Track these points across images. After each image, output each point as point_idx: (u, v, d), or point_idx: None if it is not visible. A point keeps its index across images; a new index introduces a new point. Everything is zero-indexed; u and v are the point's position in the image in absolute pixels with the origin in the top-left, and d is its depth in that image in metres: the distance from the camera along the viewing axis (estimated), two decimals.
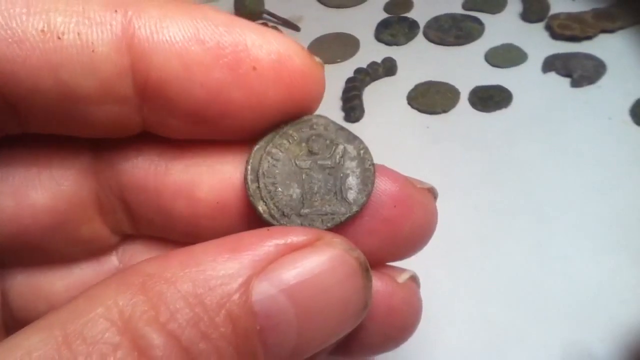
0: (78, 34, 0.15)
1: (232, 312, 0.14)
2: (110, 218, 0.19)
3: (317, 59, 0.18)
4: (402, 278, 0.19)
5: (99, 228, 0.20)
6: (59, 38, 0.15)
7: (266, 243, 0.15)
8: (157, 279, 0.14)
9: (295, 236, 0.15)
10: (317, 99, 0.18)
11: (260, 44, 0.16)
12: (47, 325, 0.13)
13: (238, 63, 0.16)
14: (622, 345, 0.33)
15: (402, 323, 0.19)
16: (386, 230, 0.18)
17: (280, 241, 0.15)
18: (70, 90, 0.15)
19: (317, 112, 0.19)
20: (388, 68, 0.54)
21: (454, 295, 0.37)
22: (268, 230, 0.16)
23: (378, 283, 0.18)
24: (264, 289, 0.14)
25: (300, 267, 0.15)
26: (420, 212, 0.18)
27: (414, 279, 0.20)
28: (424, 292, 0.20)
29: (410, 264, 0.21)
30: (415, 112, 0.50)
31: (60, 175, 0.18)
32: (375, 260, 0.17)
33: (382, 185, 0.18)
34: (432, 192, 0.19)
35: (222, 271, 0.14)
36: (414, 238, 0.19)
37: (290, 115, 0.18)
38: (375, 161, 0.19)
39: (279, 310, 0.14)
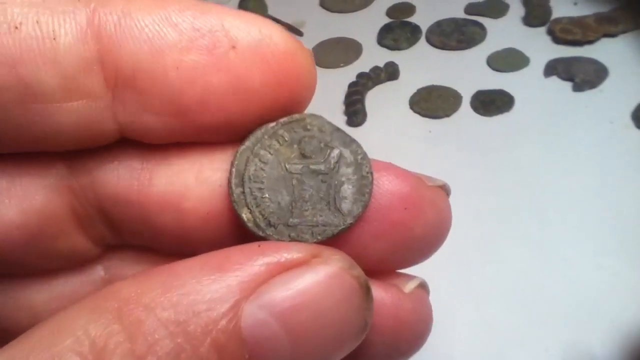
0: (37, 22, 0.14)
1: (218, 341, 0.12)
2: (90, 231, 0.18)
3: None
4: (410, 287, 0.17)
5: (78, 241, 0.18)
6: (16, 28, 0.14)
7: (256, 261, 0.13)
8: (135, 304, 0.12)
9: (289, 253, 0.14)
10: (307, 88, 0.16)
11: (238, 24, 0.15)
12: None
13: (215, 43, 0.15)
14: (622, 347, 0.33)
15: (411, 335, 0.18)
16: (396, 234, 0.16)
17: (272, 259, 0.14)
18: (32, 88, 0.14)
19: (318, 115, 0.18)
20: (390, 72, 0.54)
21: (456, 298, 0.37)
22: (259, 246, 0.14)
23: (384, 294, 0.16)
24: (253, 314, 0.13)
25: (293, 289, 0.13)
26: (432, 213, 0.17)
27: (422, 286, 0.18)
28: None
29: (411, 268, 0.21)
30: (417, 116, 0.50)
31: (32, 189, 0.17)
32: (384, 268, 0.16)
33: (391, 185, 0.16)
34: (444, 190, 0.18)
35: (207, 294, 0.13)
36: (427, 241, 0.17)
37: (279, 108, 0.16)
38: None
39: (270, 337, 0.13)
